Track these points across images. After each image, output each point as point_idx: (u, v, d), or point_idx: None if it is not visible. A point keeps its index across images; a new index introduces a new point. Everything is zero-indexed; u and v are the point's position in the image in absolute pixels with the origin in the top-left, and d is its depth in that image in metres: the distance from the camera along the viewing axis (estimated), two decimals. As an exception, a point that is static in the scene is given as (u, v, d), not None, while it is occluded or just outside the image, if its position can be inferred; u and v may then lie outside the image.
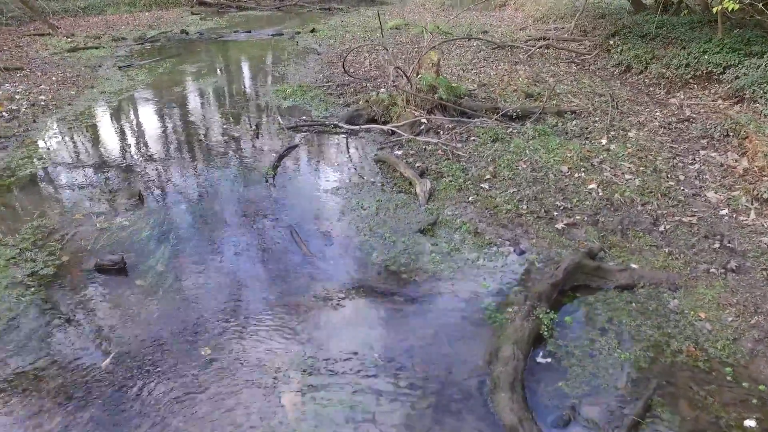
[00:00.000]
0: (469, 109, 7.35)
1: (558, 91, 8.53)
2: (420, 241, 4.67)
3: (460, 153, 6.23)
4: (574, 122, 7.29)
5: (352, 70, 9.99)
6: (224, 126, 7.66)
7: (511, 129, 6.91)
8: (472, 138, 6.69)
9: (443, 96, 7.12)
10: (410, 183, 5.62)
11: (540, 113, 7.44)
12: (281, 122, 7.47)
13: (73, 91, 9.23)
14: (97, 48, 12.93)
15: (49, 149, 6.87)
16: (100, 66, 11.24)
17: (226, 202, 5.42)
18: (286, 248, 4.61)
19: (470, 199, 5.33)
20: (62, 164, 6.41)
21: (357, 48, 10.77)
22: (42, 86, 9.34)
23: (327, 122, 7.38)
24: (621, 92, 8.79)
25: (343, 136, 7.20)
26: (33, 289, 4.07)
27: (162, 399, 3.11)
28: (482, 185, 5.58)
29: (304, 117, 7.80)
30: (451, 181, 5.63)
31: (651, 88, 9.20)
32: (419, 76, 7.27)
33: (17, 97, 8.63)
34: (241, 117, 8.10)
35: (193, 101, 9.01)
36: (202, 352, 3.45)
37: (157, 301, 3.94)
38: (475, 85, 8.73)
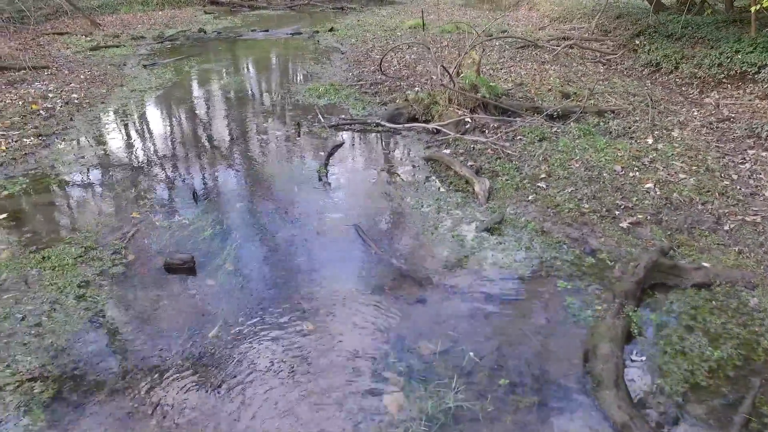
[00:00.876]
0: (511, 108, 7.33)
1: (594, 90, 8.53)
2: (488, 239, 4.65)
3: (510, 152, 6.21)
4: (615, 122, 7.28)
5: (382, 69, 9.97)
6: (263, 124, 7.62)
7: (555, 128, 6.89)
8: (519, 137, 6.68)
9: (486, 95, 7.10)
10: (467, 182, 5.60)
11: (580, 113, 7.42)
12: (322, 120, 7.44)
13: (104, 90, 9.18)
14: (117, 47, 12.87)
15: (91, 147, 6.83)
16: (124, 64, 11.19)
17: (283, 200, 5.39)
18: (354, 246, 4.58)
19: (530, 198, 5.31)
20: (107, 162, 6.37)
21: (396, 48, 10.79)
22: (72, 84, 9.28)
23: (368, 120, 7.35)
24: (653, 92, 8.79)
25: (386, 134, 7.17)
26: (106, 288, 4.03)
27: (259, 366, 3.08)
28: (539, 184, 5.56)
29: (343, 115, 7.78)
30: (507, 180, 5.61)
31: (683, 88, 9.20)
32: (461, 75, 7.25)
33: (50, 95, 8.58)
34: (278, 115, 8.06)
35: (227, 99, 8.98)
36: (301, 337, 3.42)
37: (233, 300, 3.91)
38: (510, 85, 8.72)
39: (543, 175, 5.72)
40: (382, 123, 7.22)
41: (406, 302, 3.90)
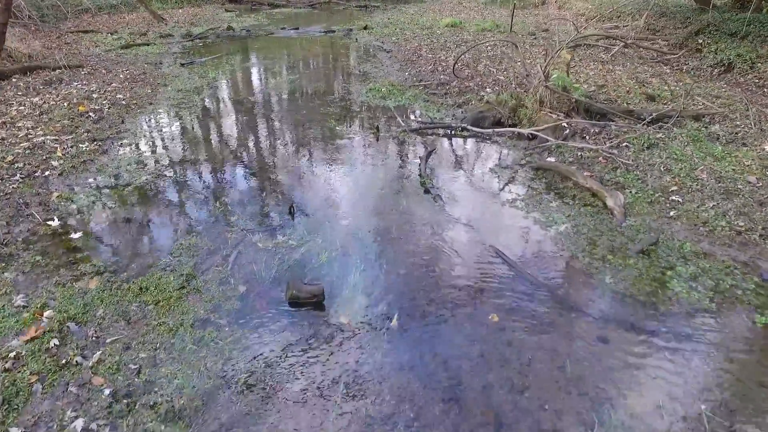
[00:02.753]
0: (606, 112, 6.66)
1: (677, 92, 7.88)
2: (648, 264, 3.98)
3: (623, 161, 5.54)
4: (716, 126, 6.63)
5: (440, 69, 9.29)
6: (336, 127, 6.91)
7: (660, 134, 6.23)
8: (624, 144, 6.01)
9: (582, 98, 6.43)
10: (593, 195, 4.92)
11: (677, 117, 6.76)
12: (402, 124, 6.75)
13: (149, 90, 8.44)
14: (147, 45, 12.12)
15: (153, 153, 6.10)
16: (160, 63, 10.44)
17: (392, 215, 4.69)
18: (498, 269, 3.90)
19: (671, 214, 4.64)
20: (177, 170, 5.65)
21: (476, 47, 10.12)
22: (113, 84, 8.53)
23: (453, 124, 6.66)
24: (734, 93, 8.16)
25: (474, 140, 6.49)
26: (226, 329, 3.33)
27: None
28: (673, 198, 4.90)
29: (421, 118, 7.08)
30: (638, 194, 4.94)
31: (766, 89, 8.56)
32: (554, 76, 6.58)
33: (94, 96, 7.83)
34: (348, 118, 7.35)
35: (285, 99, 8.26)
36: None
37: (382, 347, 3.22)
38: (588, 86, 8.05)
39: (673, 188, 5.06)
40: (468, 127, 6.54)
41: (587, 343, 3.22)
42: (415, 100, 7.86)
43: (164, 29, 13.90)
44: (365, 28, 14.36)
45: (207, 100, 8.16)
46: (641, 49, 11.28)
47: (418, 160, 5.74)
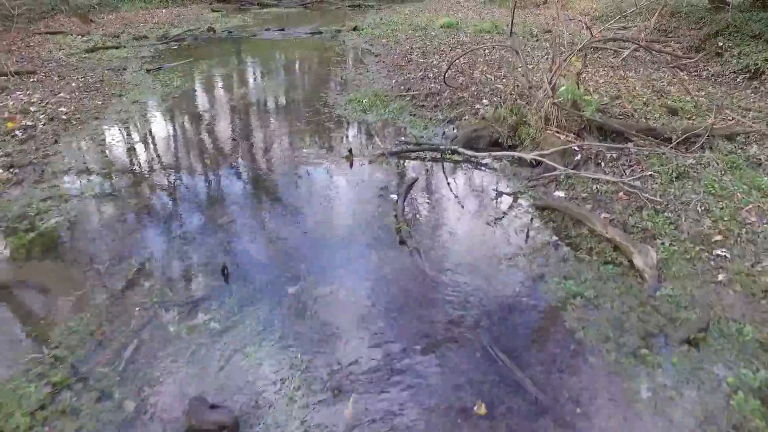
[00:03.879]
0: (624, 131, 5.49)
1: (701, 103, 6.70)
2: (698, 359, 2.82)
3: (649, 197, 4.36)
4: (753, 148, 5.46)
5: (431, 76, 8.11)
6: (303, 149, 5.74)
7: (691, 159, 5.05)
8: (649, 173, 4.83)
9: (595, 115, 5.26)
10: (615, 248, 3.76)
11: (707, 136, 5.58)
12: (380, 145, 5.58)
13: (99, 101, 7.28)
14: (117, 48, 10.95)
15: (78, 186, 4.96)
16: (124, 69, 9.27)
17: (356, 280, 3.54)
18: (508, 387, 2.75)
19: (720, 277, 3.47)
20: (97, 212, 4.50)
21: (472, 51, 8.84)
22: (61, 94, 7.38)
23: (441, 146, 5.49)
24: (764, 104, 6.97)
25: (466, 166, 5.32)
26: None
27: None
28: (718, 252, 3.72)
29: (403, 137, 5.91)
30: (672, 246, 3.77)
31: (801, 100, 7.36)
32: (561, 89, 5.40)
33: (32, 108, 6.68)
34: (319, 137, 6.18)
35: (251, 114, 7.09)
36: None
37: None
38: (601, 97, 6.87)
39: (717, 237, 3.88)
40: (459, 150, 5.37)
41: None
42: (400, 113, 6.69)
43: (103, 34, 12.68)
44: (355, 29, 13.16)
45: (161, 114, 7.00)
46: (654, 52, 10.06)
47: (396, 196, 4.57)
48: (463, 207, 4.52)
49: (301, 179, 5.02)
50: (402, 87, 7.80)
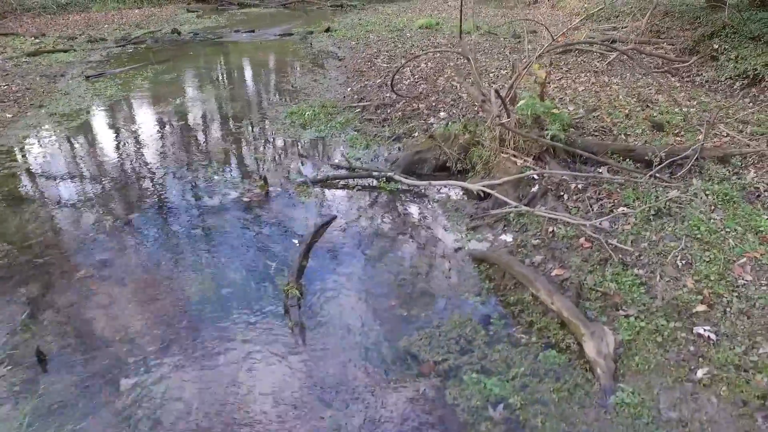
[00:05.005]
0: (597, 152, 4.52)
1: (692, 116, 5.72)
2: None
3: (618, 244, 3.40)
4: (750, 173, 4.48)
5: (389, 83, 7.14)
6: (216, 178, 4.80)
7: (674, 192, 4.08)
8: (621, 209, 3.86)
9: (560, 135, 4.29)
10: (561, 324, 2.80)
11: (696, 158, 4.61)
12: (302, 172, 4.64)
13: (10, 114, 6.37)
14: (66, 51, 10.03)
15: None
16: (62, 75, 8.36)
17: (219, 373, 2.60)
18: None
19: (699, 374, 2.51)
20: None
21: (415, 57, 7.79)
22: (-31, 106, 6.48)
23: (375, 172, 4.55)
24: (765, 116, 5.97)
25: (404, 195, 4.37)
26: None
27: None
28: (699, 330, 2.76)
29: (336, 160, 4.97)
30: (639, 321, 2.80)
31: (807, 111, 6.35)
32: (520, 103, 4.44)
33: None
34: (242, 159, 5.25)
35: (177, 131, 6.15)
36: None
37: None
38: (572, 108, 5.90)
39: (699, 307, 2.92)
40: (396, 177, 4.42)
41: None
42: (343, 128, 5.74)
43: (59, 36, 11.72)
44: (327, 30, 12.20)
45: (71, 132, 6.06)
46: (643, 55, 9.06)
47: (305, 240, 3.62)
48: (378, 259, 3.56)
49: (193, 220, 4.08)
50: (356, 96, 6.85)
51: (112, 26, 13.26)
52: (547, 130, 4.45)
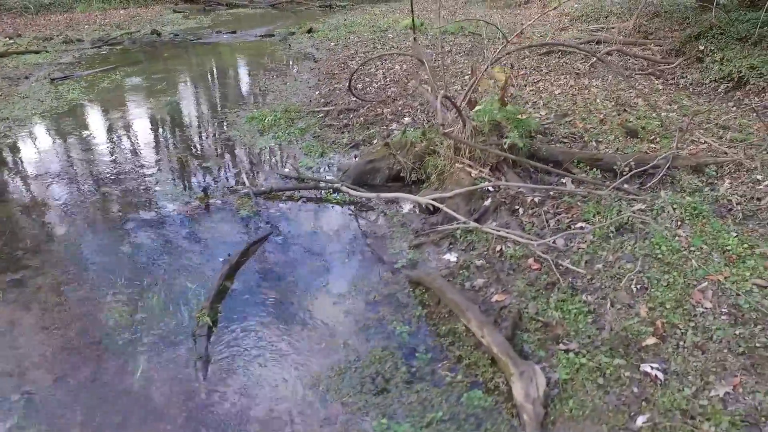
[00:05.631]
0: (551, 162, 4.22)
1: (669, 122, 5.40)
2: None
3: (573, 267, 3.10)
4: (725, 184, 4.17)
5: (359, 87, 6.85)
6: (157, 189, 4.51)
7: (638, 205, 3.77)
8: (578, 225, 3.55)
9: (518, 142, 3.99)
10: (492, 360, 2.50)
11: (667, 167, 4.30)
12: (247, 183, 4.34)
13: (-42, 118, 6.09)
14: (38, 52, 9.77)
15: None
16: (26, 78, 8.09)
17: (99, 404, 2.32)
18: None
19: (639, 422, 2.21)
20: None
21: (371, 59, 7.46)
22: None
23: (322, 182, 4.25)
24: (749, 121, 5.66)
25: (349, 209, 4.07)
26: None
27: None
28: (647, 368, 2.46)
29: (287, 169, 4.68)
30: (581, 357, 2.50)
31: (792, 116, 6.03)
32: (477, 108, 4.14)
33: None
34: (187, 170, 4.96)
35: (122, 141, 5.83)
36: None
37: None
38: (545, 112, 5.60)
39: (650, 339, 2.61)
40: (344, 188, 4.12)
41: None
42: (302, 135, 5.45)
43: (35, 37, 11.42)
44: (309, 31, 11.91)
45: (20, 138, 5.77)
46: (627, 57, 8.75)
47: (230, 260, 3.33)
48: (308, 281, 3.25)
49: (121, 236, 3.78)
50: (323, 100, 6.56)
51: (92, 27, 13.00)
52: (506, 137, 4.14)
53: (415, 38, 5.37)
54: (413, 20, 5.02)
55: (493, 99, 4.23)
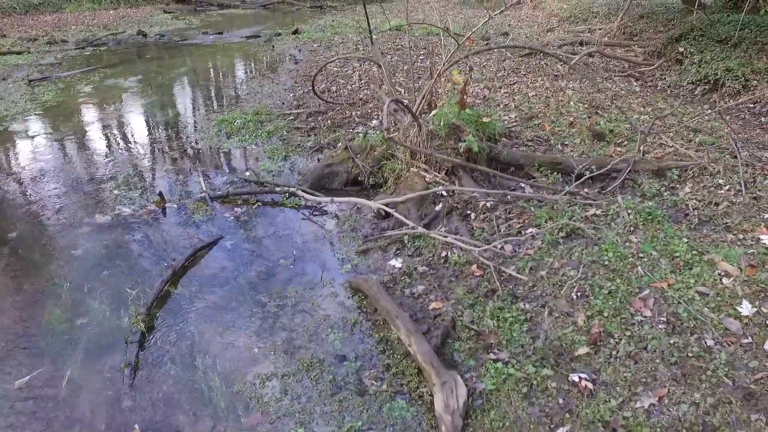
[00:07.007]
0: (513, 166, 4.19)
1: (649, 132, 5.36)
2: None
3: (514, 273, 3.07)
4: (686, 188, 4.13)
5: (334, 89, 6.82)
6: (116, 191, 4.48)
7: (593, 210, 3.74)
8: (529, 230, 3.52)
9: (475, 146, 3.95)
10: (419, 370, 2.47)
11: (629, 171, 4.27)
12: (204, 187, 4.31)
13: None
14: (20, 53, 9.76)
15: None
16: (3, 79, 8.07)
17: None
18: None
19: (560, 432, 2.17)
20: None
21: (329, 62, 7.37)
22: None
23: (279, 186, 4.22)
24: (720, 125, 5.61)
25: (304, 213, 4.04)
26: None
27: None
28: (575, 378, 2.42)
29: (248, 172, 4.65)
30: (510, 368, 2.47)
31: (763, 118, 6.00)
32: (434, 112, 4.10)
33: None
34: (149, 173, 4.93)
35: (89, 143, 5.79)
36: None
37: None
38: (514, 115, 5.56)
39: (583, 349, 2.58)
40: (299, 191, 4.09)
41: None
42: (269, 137, 5.42)
43: (19, 38, 11.43)
44: (295, 32, 11.88)
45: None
46: (610, 59, 8.72)
47: (175, 265, 3.30)
48: (251, 287, 3.22)
49: (74, 240, 3.75)
50: (296, 102, 6.53)
51: (79, 27, 12.98)
52: (464, 142, 4.10)
53: (372, 41, 5.31)
54: (369, 26, 4.98)
55: (450, 102, 4.20)
